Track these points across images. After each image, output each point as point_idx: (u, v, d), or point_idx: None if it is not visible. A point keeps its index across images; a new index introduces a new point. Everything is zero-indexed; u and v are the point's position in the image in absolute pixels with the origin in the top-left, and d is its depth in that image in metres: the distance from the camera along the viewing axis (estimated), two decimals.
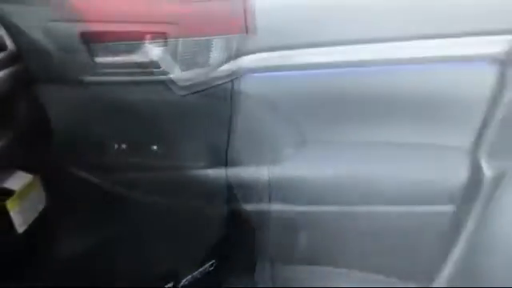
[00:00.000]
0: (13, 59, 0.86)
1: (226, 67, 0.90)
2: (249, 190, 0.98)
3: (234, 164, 0.99)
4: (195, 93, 0.92)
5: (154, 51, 0.89)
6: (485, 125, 0.90)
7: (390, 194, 0.94)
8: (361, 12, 0.85)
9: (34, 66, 0.89)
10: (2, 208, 0.77)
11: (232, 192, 0.97)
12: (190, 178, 0.97)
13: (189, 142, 0.98)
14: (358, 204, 0.94)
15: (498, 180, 0.87)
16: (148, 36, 0.89)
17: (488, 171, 0.89)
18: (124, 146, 0.98)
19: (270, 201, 0.97)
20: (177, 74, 0.90)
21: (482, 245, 0.83)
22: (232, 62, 0.89)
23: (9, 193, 0.79)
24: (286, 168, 0.97)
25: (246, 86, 0.92)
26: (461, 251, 0.94)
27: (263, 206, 0.98)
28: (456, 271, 0.95)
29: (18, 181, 0.82)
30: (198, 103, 0.94)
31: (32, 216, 0.85)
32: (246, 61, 0.89)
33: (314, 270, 0.91)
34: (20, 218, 0.81)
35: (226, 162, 0.98)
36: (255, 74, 0.91)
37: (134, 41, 0.89)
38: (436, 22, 0.84)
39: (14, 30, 0.87)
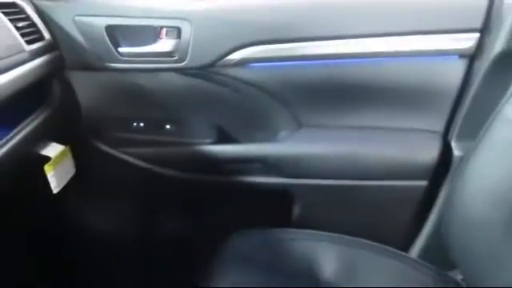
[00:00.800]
0: (49, 48, 1.00)
1: (230, 57, 1.04)
2: (250, 164, 1.12)
3: (237, 141, 1.13)
4: (204, 79, 1.07)
5: (169, 43, 1.03)
6: (454, 111, 1.02)
7: (371, 171, 1.07)
8: (347, 11, 0.98)
9: (66, 54, 1.04)
10: (41, 171, 0.93)
11: (234, 166, 1.12)
12: (198, 152, 1.11)
13: (197, 121, 1.12)
14: (345, 178, 1.08)
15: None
16: (163, 30, 1.03)
17: (456, 151, 1.02)
18: (142, 123, 1.13)
19: (267, 174, 1.12)
20: (188, 62, 1.04)
21: (449, 216, 0.95)
22: (236, 52, 1.03)
23: (46, 159, 0.94)
24: (282, 145, 1.11)
25: (248, 73, 1.05)
26: (433, 222, 1.07)
27: (261, 179, 1.12)
28: (429, 240, 1.08)
29: (53, 150, 0.97)
30: (206, 88, 1.08)
31: (64, 180, 0.99)
32: (248, 52, 1.03)
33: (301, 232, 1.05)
34: (54, 181, 0.96)
35: (228, 139, 1.12)
36: (256, 64, 1.05)
37: (151, 33, 1.04)
38: (412, 21, 0.96)
39: (49, 23, 1.01)
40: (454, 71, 0.99)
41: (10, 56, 0.85)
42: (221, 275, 0.89)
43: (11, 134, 0.87)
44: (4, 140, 0.84)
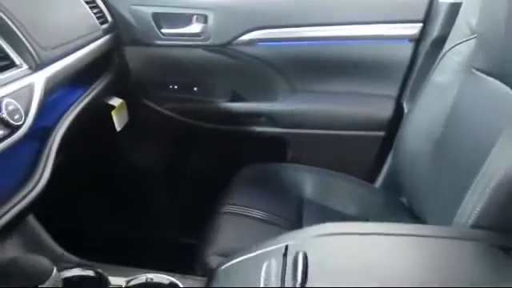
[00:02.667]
0: (111, 28, 1.34)
1: (243, 38, 1.37)
2: (256, 117, 1.47)
3: (246, 100, 1.47)
4: (223, 54, 1.41)
5: (198, 26, 1.37)
6: (405, 80, 1.36)
7: (344, 123, 1.41)
8: (328, 6, 1.31)
9: (122, 33, 1.38)
10: (110, 115, 1.29)
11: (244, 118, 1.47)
12: (216, 107, 1.47)
13: (217, 85, 1.46)
14: (325, 129, 1.42)
15: None
16: (194, 17, 1.37)
17: (406, 109, 1.35)
18: (176, 86, 1.48)
19: (269, 125, 1.47)
20: (211, 41, 1.38)
21: (399, 155, 1.29)
22: (247, 34, 1.37)
23: (112, 107, 1.30)
24: (280, 104, 1.45)
25: (256, 50, 1.39)
26: (390, 160, 1.40)
27: (264, 128, 1.47)
28: (387, 173, 1.41)
29: (116, 101, 1.33)
30: (224, 60, 1.41)
31: (122, 124, 1.35)
32: (256, 34, 1.36)
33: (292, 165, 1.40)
34: (117, 122, 1.31)
35: (240, 99, 1.47)
36: (262, 43, 1.38)
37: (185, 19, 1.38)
38: (374, 14, 1.29)
39: (111, 10, 1.35)
40: (404, 51, 1.32)
41: (92, 33, 1.20)
42: (236, 195, 1.24)
43: (89, 90, 1.22)
44: (85, 94, 1.19)
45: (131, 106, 1.41)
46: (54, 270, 0.61)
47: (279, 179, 1.32)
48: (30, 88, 0.84)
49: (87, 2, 1.24)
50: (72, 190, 1.26)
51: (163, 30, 1.38)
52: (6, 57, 0.83)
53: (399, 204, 1.31)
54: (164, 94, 1.49)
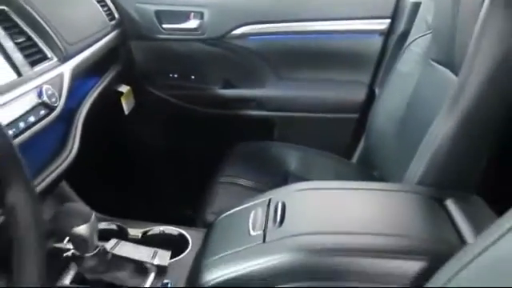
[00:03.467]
0: (118, 24, 1.50)
1: (235, 32, 1.54)
2: (247, 102, 1.65)
3: (238, 87, 1.65)
4: (217, 46, 1.58)
5: (195, 22, 1.54)
6: (376, 69, 1.54)
7: (323, 107, 1.59)
8: (311, 5, 1.49)
9: (128, 29, 1.54)
10: (119, 100, 1.46)
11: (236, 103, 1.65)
12: (212, 93, 1.64)
13: (212, 74, 1.64)
14: (305, 112, 1.60)
15: None
16: (191, 14, 1.54)
17: (377, 94, 1.53)
18: (176, 75, 1.65)
19: (258, 108, 1.65)
20: (207, 35, 1.55)
21: (371, 134, 1.46)
22: (239, 29, 1.54)
23: (121, 93, 1.48)
24: (268, 90, 1.63)
25: (247, 43, 1.56)
26: (364, 138, 1.57)
27: (254, 112, 1.65)
28: (362, 150, 1.59)
29: (124, 88, 1.50)
30: (218, 52, 1.59)
31: (129, 108, 1.52)
32: (247, 29, 1.54)
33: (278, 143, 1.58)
34: (125, 106, 1.49)
35: (233, 86, 1.65)
36: (252, 37, 1.55)
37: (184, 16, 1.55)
38: (349, 12, 1.47)
39: (118, 7, 1.51)
40: (376, 44, 1.51)
41: (103, 29, 1.36)
42: (229, 168, 1.41)
43: (102, 78, 1.39)
44: (99, 82, 1.36)
45: (137, 93, 1.58)
46: (93, 214, 0.78)
47: (267, 155, 1.49)
48: (61, 77, 1.01)
49: (97, 1, 1.41)
50: (93, 161, 1.43)
51: (164, 26, 1.55)
52: (41, 51, 1.00)
53: (371, 176, 1.49)
54: (165, 82, 1.66)
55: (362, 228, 0.73)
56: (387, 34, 1.48)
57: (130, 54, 1.58)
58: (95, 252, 0.80)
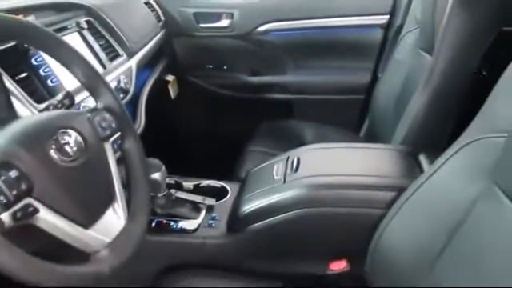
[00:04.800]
0: (164, 25, 1.80)
1: (260, 29, 1.83)
2: (270, 86, 1.93)
3: (262, 75, 1.94)
4: (245, 41, 1.86)
5: (226, 21, 1.83)
6: (379, 57, 1.80)
7: (332, 89, 1.87)
8: (322, 4, 1.76)
9: (171, 28, 1.84)
10: (167, 87, 1.77)
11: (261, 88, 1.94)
12: (241, 81, 1.94)
13: (240, 64, 1.93)
14: (320, 94, 1.89)
15: None
16: (223, 14, 1.83)
17: (379, 77, 1.80)
18: (210, 66, 1.95)
19: (280, 92, 1.94)
20: (236, 32, 1.84)
21: (374, 107, 1.71)
22: (263, 26, 1.82)
23: (168, 81, 1.78)
24: (288, 77, 1.91)
25: (270, 38, 1.84)
26: (369, 116, 1.84)
27: (277, 95, 1.94)
28: (369, 126, 1.85)
29: (170, 77, 1.81)
30: (246, 46, 1.87)
31: (175, 93, 1.83)
32: (270, 26, 1.82)
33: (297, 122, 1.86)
34: (172, 92, 1.80)
35: (258, 74, 1.94)
36: (274, 32, 1.84)
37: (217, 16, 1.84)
38: (355, 9, 1.73)
39: (164, 10, 1.81)
40: (378, 36, 1.77)
41: (154, 29, 1.66)
42: (257, 141, 1.69)
43: (154, 70, 1.70)
44: (152, 73, 1.66)
45: (180, 81, 1.89)
46: (163, 166, 1.08)
47: (287, 131, 1.77)
48: (130, 69, 1.32)
49: (148, 6, 1.71)
50: (153, 132, 1.62)
51: (201, 25, 1.85)
52: (115, 50, 1.31)
53: None
54: (202, 72, 1.96)
55: (352, 171, 1.02)
56: (387, 27, 1.75)
57: (173, 49, 1.88)
58: (164, 194, 1.11)
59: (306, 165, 1.08)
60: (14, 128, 0.64)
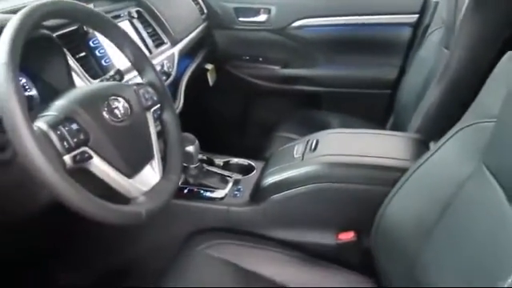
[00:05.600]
0: (206, 18, 1.93)
1: (294, 24, 1.93)
2: (301, 79, 2.03)
3: (294, 67, 2.04)
4: (280, 35, 1.97)
5: (264, 16, 1.94)
6: (407, 53, 1.86)
7: (362, 84, 1.95)
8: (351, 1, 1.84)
9: (212, 21, 1.97)
10: (206, 74, 1.91)
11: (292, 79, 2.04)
12: (274, 72, 2.05)
13: (275, 56, 2.04)
14: (348, 87, 1.97)
15: None
16: (262, 9, 1.94)
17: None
18: (247, 57, 2.07)
19: (309, 84, 2.03)
20: (273, 26, 1.95)
21: (398, 104, 1.79)
22: (296, 22, 1.92)
23: (207, 69, 1.92)
24: (318, 70, 2.01)
25: (303, 33, 1.94)
26: (394, 110, 1.91)
27: (306, 87, 2.04)
28: (394, 118, 1.92)
29: (209, 66, 1.95)
30: (281, 40, 1.98)
31: (213, 81, 1.97)
32: (303, 22, 1.92)
33: (324, 112, 1.95)
34: (210, 79, 1.94)
35: (290, 66, 2.04)
36: (307, 28, 1.94)
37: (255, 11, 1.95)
38: (388, 8, 1.81)
39: (206, 4, 1.94)
40: (406, 33, 1.84)
41: (196, 21, 1.80)
42: (286, 128, 1.80)
43: (195, 58, 1.83)
44: (193, 61, 1.80)
45: (218, 70, 2.03)
46: (197, 141, 1.21)
47: (314, 120, 1.87)
48: (173, 55, 1.46)
49: (192, 0, 1.85)
50: (190, 112, 1.71)
51: (240, 19, 1.98)
52: (160, 38, 1.46)
53: None
54: (239, 63, 2.09)
55: (363, 153, 1.11)
56: (415, 26, 1.80)
57: (213, 40, 2.02)
58: (196, 165, 1.24)
59: (324, 146, 1.18)
60: (75, 92, 0.79)
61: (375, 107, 1.96)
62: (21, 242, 1.18)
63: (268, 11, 1.93)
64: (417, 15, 1.79)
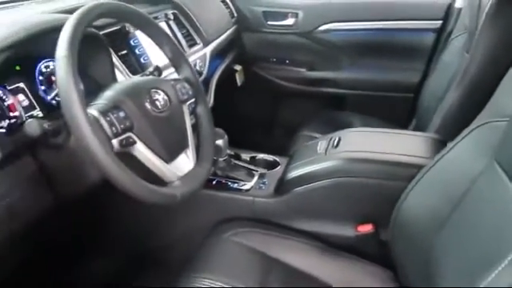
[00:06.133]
0: (236, 21, 2.02)
1: (320, 28, 1.99)
2: (326, 81, 2.09)
3: (321, 70, 2.10)
4: (307, 38, 2.03)
5: (292, 20, 2.01)
6: (431, 57, 1.89)
7: (385, 87, 1.99)
8: (375, 6, 1.89)
9: (241, 24, 2.05)
10: (234, 75, 1.99)
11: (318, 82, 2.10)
12: (300, 74, 2.11)
13: (301, 59, 2.10)
14: (372, 90, 2.02)
15: None
16: (289, 13, 2.01)
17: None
18: (274, 59, 2.14)
19: (334, 86, 2.09)
20: (300, 30, 2.01)
21: (420, 107, 1.84)
22: (323, 26, 1.98)
23: (235, 70, 2.00)
24: (342, 73, 2.06)
25: (329, 37, 2.00)
26: (417, 113, 1.95)
27: (330, 89, 2.09)
28: (417, 120, 1.96)
29: (237, 67, 2.03)
30: (308, 43, 2.04)
31: (241, 81, 2.05)
32: (329, 26, 1.98)
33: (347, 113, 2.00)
34: (238, 80, 2.02)
35: (317, 68, 2.10)
36: (333, 32, 1.99)
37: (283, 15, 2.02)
38: (413, 15, 1.85)
39: (236, 8, 2.03)
40: (430, 38, 1.87)
41: (227, 24, 1.88)
42: (311, 128, 1.85)
43: (224, 59, 1.92)
44: (223, 61, 1.88)
45: (246, 71, 2.11)
46: (225, 135, 1.28)
47: (337, 121, 1.91)
48: (205, 55, 1.54)
49: (224, 4, 1.93)
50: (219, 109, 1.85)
51: (269, 22, 2.05)
52: (193, 39, 1.54)
53: None
54: (266, 64, 2.16)
55: (382, 150, 1.17)
56: (439, 31, 1.84)
57: (242, 42, 2.10)
58: (224, 159, 1.32)
59: (346, 143, 1.24)
60: (121, 84, 0.87)
61: (398, 110, 2.00)
62: (66, 225, 1.28)
63: (295, 15, 2.00)
64: (440, 21, 1.82)
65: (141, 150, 0.82)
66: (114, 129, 0.76)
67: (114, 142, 0.76)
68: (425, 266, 0.94)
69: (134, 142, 0.80)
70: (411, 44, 1.91)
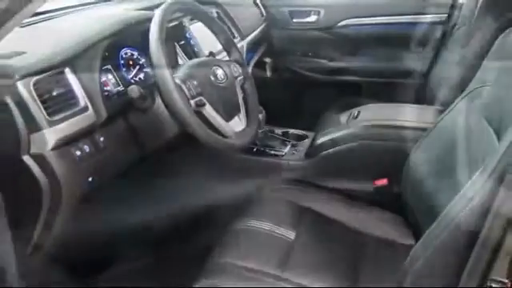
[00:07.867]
0: (265, 19, 2.24)
1: (340, 24, 2.21)
2: (339, 70, 2.30)
3: (340, 61, 2.31)
4: (328, 33, 2.25)
5: (314, 17, 2.23)
6: (438, 48, 2.09)
7: (396, 75, 2.19)
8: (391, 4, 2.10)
9: (271, 22, 2.28)
10: (265, 66, 2.22)
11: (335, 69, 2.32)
12: (322, 65, 2.34)
13: (324, 51, 2.31)
14: (384, 77, 2.22)
15: None
16: (312, 11, 2.23)
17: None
18: (298, 52, 2.36)
19: (345, 74, 2.30)
20: (322, 25, 2.24)
21: (428, 93, 2.03)
22: (342, 21, 2.20)
23: (265, 62, 2.24)
24: (359, 63, 2.27)
25: (347, 31, 2.21)
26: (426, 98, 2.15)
27: (342, 77, 2.32)
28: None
29: (267, 59, 2.26)
30: (328, 37, 2.26)
31: (270, 72, 2.28)
32: (347, 21, 2.19)
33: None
34: (268, 71, 2.26)
35: (334, 59, 2.32)
36: (351, 27, 2.20)
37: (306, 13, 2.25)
38: (419, 7, 2.05)
39: (266, 8, 2.25)
40: (437, 30, 2.06)
41: (258, 22, 2.11)
42: (330, 111, 2.08)
43: (256, 52, 2.14)
44: (255, 54, 2.12)
45: (275, 63, 2.34)
46: (264, 111, 1.52)
47: (356, 106, 2.12)
48: (242, 48, 1.78)
49: (255, 5, 2.16)
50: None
51: (294, 20, 2.27)
52: (232, 33, 1.78)
53: None
54: (292, 57, 2.38)
55: (395, 118, 1.39)
56: (445, 24, 2.03)
57: (271, 38, 2.32)
58: (263, 130, 1.55)
59: (364, 114, 1.46)
60: (192, 62, 1.13)
61: (409, 95, 2.17)
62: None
63: (318, 13, 2.22)
64: (446, 15, 2.02)
65: (208, 111, 1.06)
66: (191, 92, 1.01)
67: (192, 102, 1.01)
68: (430, 209, 1.15)
69: (204, 104, 1.04)
70: (420, 36, 2.10)
